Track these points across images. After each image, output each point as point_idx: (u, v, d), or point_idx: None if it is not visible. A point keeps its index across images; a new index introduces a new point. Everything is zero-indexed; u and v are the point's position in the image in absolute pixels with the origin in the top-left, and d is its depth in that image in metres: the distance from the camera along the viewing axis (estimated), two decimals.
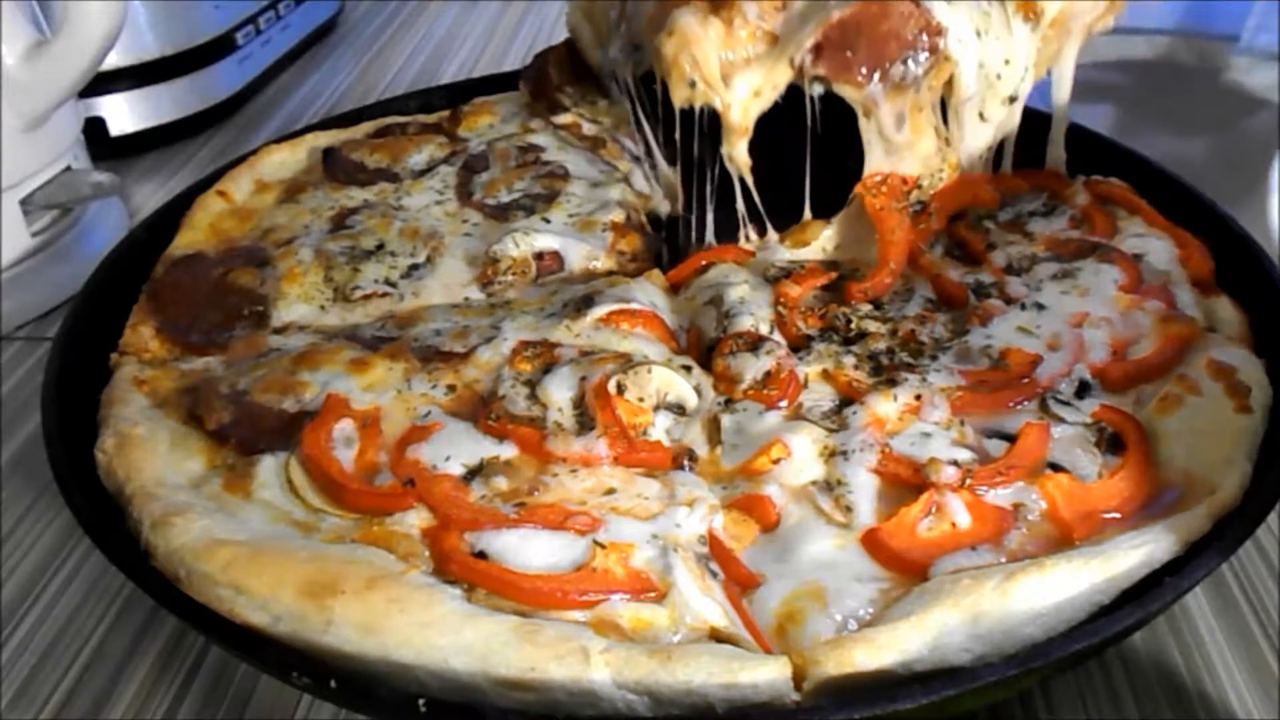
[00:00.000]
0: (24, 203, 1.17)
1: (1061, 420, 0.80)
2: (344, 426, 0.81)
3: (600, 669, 0.64)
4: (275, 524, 0.75)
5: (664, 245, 1.14)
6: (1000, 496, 0.75)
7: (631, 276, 1.00)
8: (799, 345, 0.90)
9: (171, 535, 0.72)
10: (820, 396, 0.85)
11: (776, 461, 0.79)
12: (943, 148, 1.02)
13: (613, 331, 0.90)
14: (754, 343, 0.87)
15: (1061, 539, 0.72)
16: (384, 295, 0.99)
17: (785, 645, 0.69)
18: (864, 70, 0.93)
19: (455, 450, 0.79)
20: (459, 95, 1.29)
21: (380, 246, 1.03)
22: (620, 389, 0.82)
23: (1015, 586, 0.66)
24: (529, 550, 0.71)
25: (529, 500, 0.75)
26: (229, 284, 0.99)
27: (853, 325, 0.92)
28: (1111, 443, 0.78)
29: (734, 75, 0.96)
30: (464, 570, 0.70)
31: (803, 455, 0.79)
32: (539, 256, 1.01)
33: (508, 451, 0.79)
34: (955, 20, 0.94)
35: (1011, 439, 0.79)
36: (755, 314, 0.91)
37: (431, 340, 0.90)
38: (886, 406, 0.82)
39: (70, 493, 0.77)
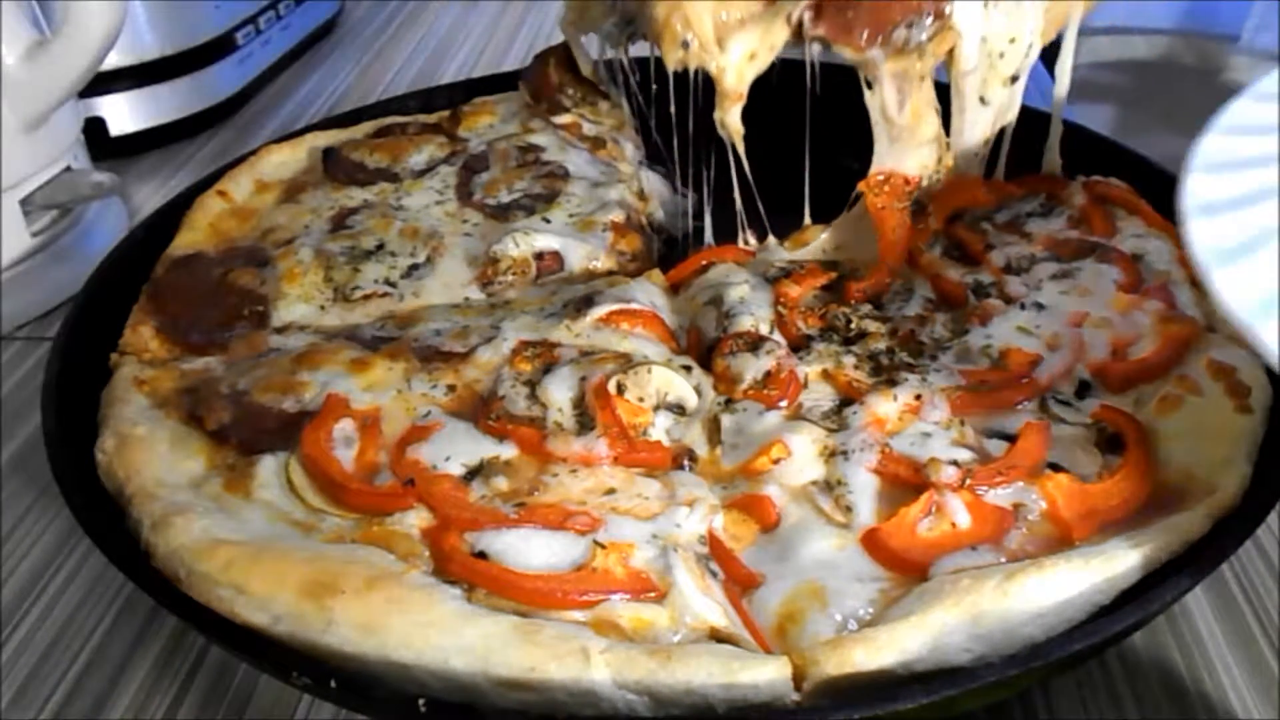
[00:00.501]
0: (24, 203, 1.17)
1: (1061, 420, 0.80)
2: (344, 426, 0.81)
3: (600, 669, 0.64)
4: (275, 524, 0.75)
5: (664, 245, 1.14)
6: (1000, 496, 0.75)
7: (631, 276, 1.00)
8: (799, 345, 0.90)
9: (171, 535, 0.72)
10: (820, 396, 0.85)
11: (776, 461, 0.79)
12: (940, 149, 1.02)
13: (613, 331, 0.90)
14: (754, 343, 0.87)
15: (1061, 539, 0.72)
16: (384, 295, 0.99)
17: (785, 645, 0.69)
18: (865, 34, 0.92)
19: (455, 450, 0.79)
20: (459, 95, 1.29)
21: (380, 246, 1.03)
22: (620, 389, 0.82)
23: (1015, 586, 0.66)
24: (529, 550, 0.71)
25: (529, 500, 0.75)
26: (229, 284, 0.99)
27: (853, 325, 0.92)
28: (1111, 443, 0.78)
29: (729, 38, 0.94)
30: (464, 570, 0.70)
31: (803, 455, 0.79)
32: (539, 256, 1.02)
33: (508, 451, 0.79)
34: None
35: (1011, 439, 0.79)
36: (755, 314, 0.91)
37: (431, 340, 0.90)
38: (886, 406, 0.82)
39: (70, 493, 0.77)
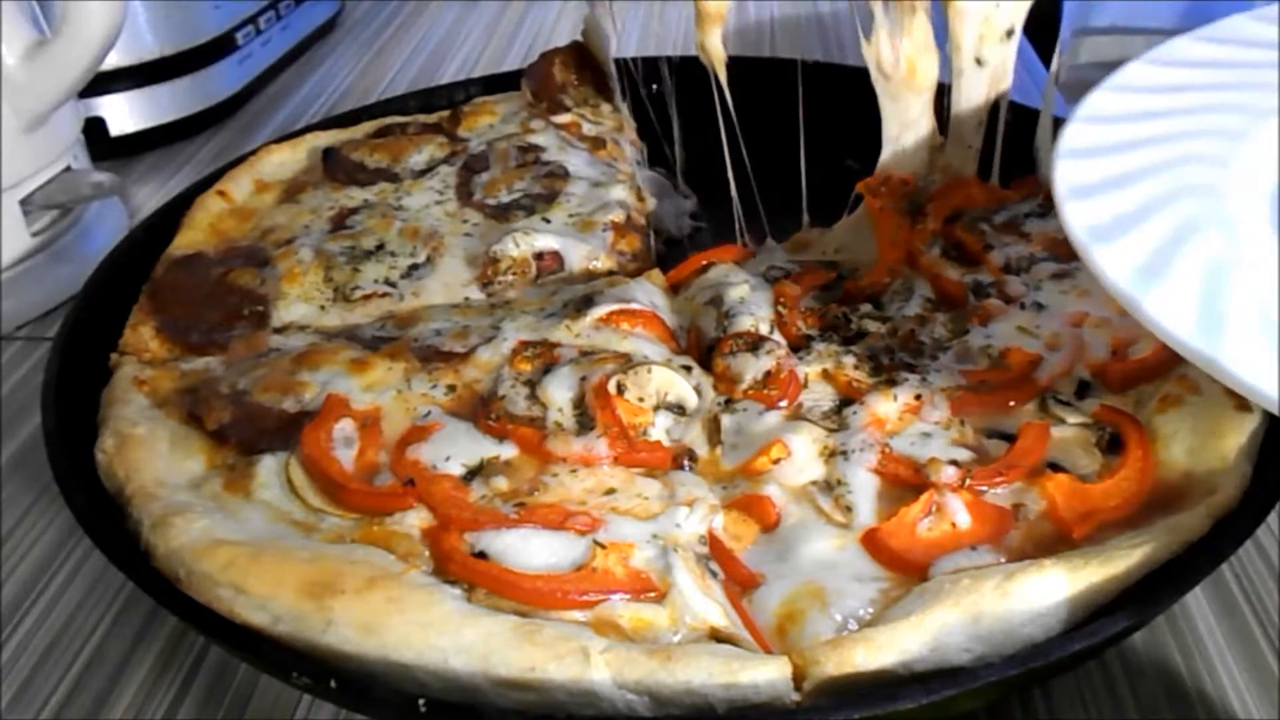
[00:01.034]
0: (24, 203, 1.17)
1: (1061, 420, 0.80)
2: (344, 426, 0.81)
3: (600, 669, 0.64)
4: (275, 524, 0.75)
5: (664, 245, 1.14)
6: (1000, 496, 0.75)
7: (631, 276, 1.00)
8: (799, 345, 0.90)
9: (171, 535, 0.72)
10: (820, 396, 0.85)
11: (776, 461, 0.79)
12: (934, 152, 1.02)
13: (613, 331, 0.90)
14: (754, 343, 0.87)
15: (1061, 539, 0.72)
16: (384, 295, 0.99)
17: (785, 645, 0.69)
18: None
19: (455, 450, 0.79)
20: (459, 95, 1.29)
21: (380, 246, 1.03)
22: (620, 389, 0.82)
23: (1015, 586, 0.66)
24: (529, 550, 0.71)
25: (529, 500, 0.75)
26: (229, 284, 0.99)
27: (853, 325, 0.92)
28: (1111, 443, 0.78)
29: None
30: (464, 570, 0.70)
31: (803, 455, 0.79)
32: (539, 256, 1.02)
33: (508, 451, 0.79)
34: None
35: (1011, 439, 0.79)
36: (755, 314, 0.91)
37: (431, 340, 0.90)
38: (886, 406, 0.82)
39: (70, 493, 0.77)
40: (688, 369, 0.87)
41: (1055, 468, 0.76)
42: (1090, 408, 0.81)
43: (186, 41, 1.52)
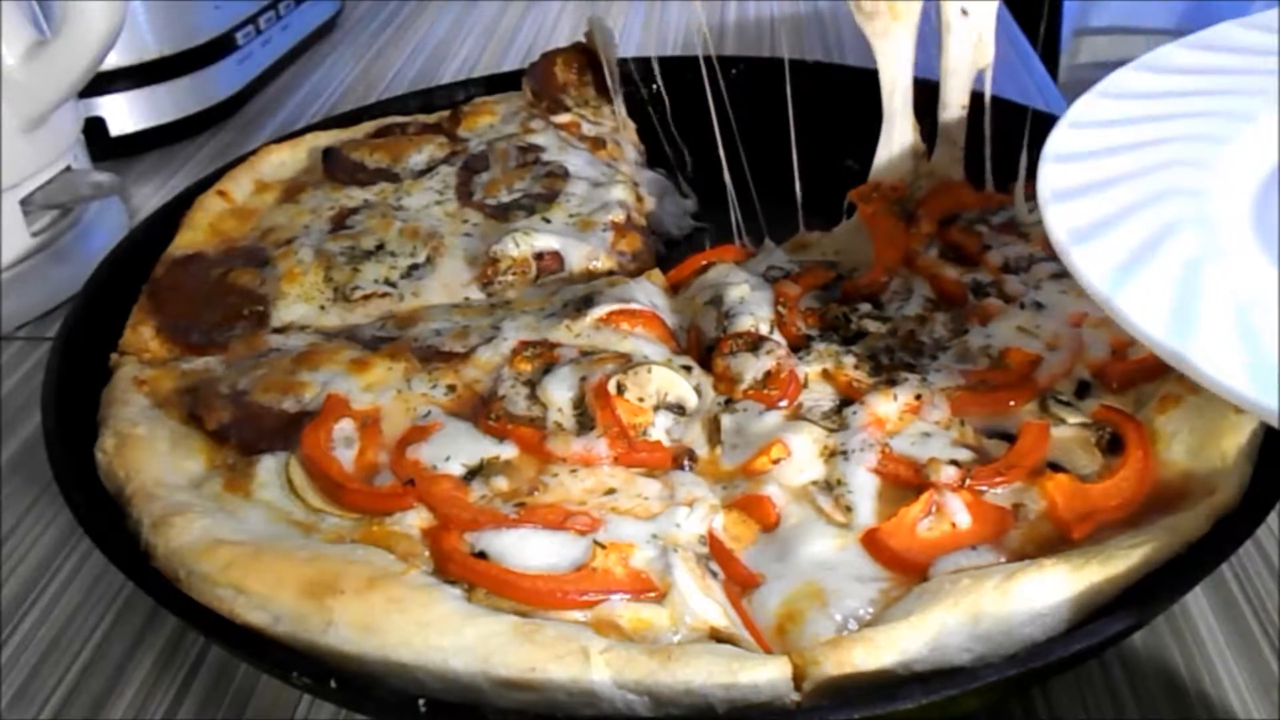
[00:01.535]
0: (24, 203, 1.17)
1: (1061, 420, 0.80)
2: (344, 426, 0.81)
3: (600, 669, 0.64)
4: (275, 524, 0.75)
5: (664, 245, 1.14)
6: (1000, 496, 0.75)
7: (631, 276, 1.00)
8: (799, 345, 0.90)
9: (171, 535, 0.72)
10: (820, 396, 0.85)
11: (776, 461, 0.79)
12: (918, 159, 1.02)
13: (613, 331, 0.90)
14: (754, 343, 0.87)
15: (1061, 539, 0.72)
16: (384, 295, 0.99)
17: (785, 645, 0.69)
18: None
19: (455, 450, 0.79)
20: (459, 95, 1.29)
21: (380, 246, 1.03)
22: (620, 389, 0.82)
23: (1015, 586, 0.66)
24: (529, 550, 0.71)
25: (529, 500, 0.75)
26: (229, 284, 0.99)
27: (852, 325, 0.92)
28: (1111, 443, 0.78)
29: None
30: (464, 570, 0.70)
31: (803, 455, 0.79)
32: (539, 256, 1.01)
33: (508, 451, 0.79)
34: None
35: (1011, 439, 0.79)
36: (755, 314, 0.91)
37: (431, 340, 0.90)
38: (887, 406, 0.82)
39: (70, 493, 0.77)
40: (688, 369, 0.87)
41: (1055, 468, 0.76)
42: (1090, 408, 0.81)
43: (186, 41, 1.52)
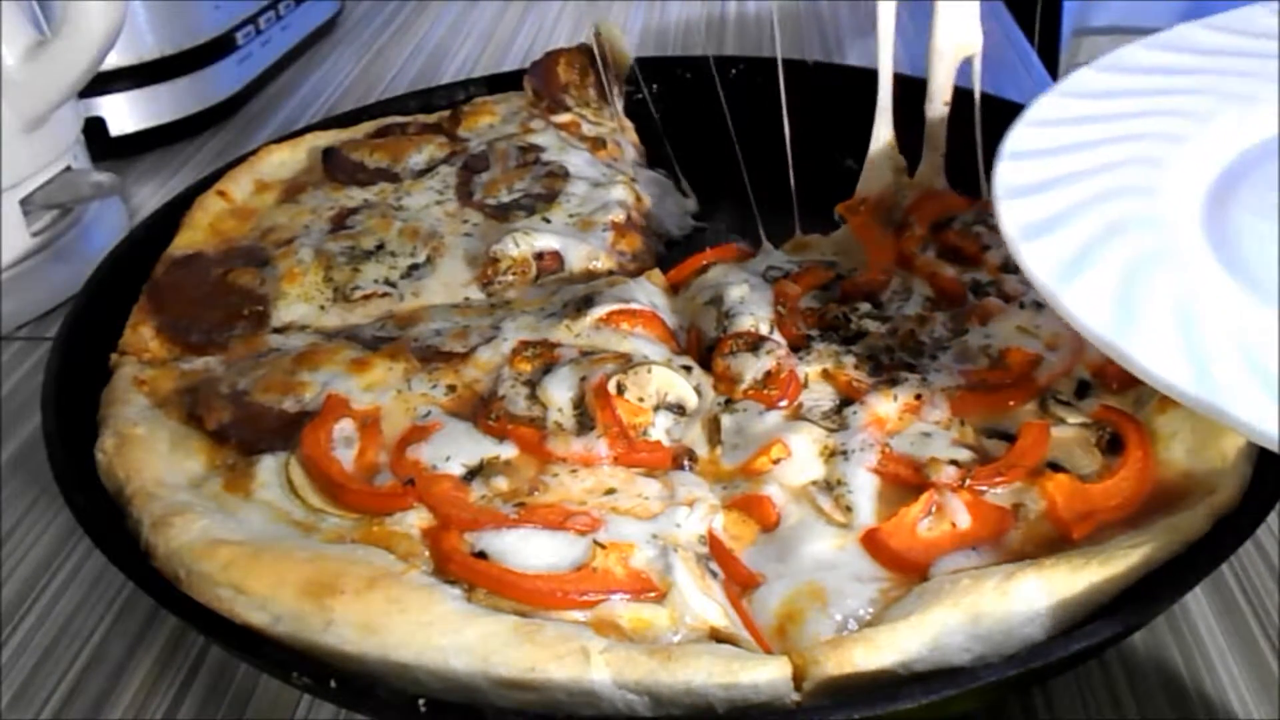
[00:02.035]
0: (24, 203, 1.17)
1: (1061, 420, 0.80)
2: (344, 426, 0.81)
3: (600, 669, 0.64)
4: (275, 524, 0.75)
5: (664, 246, 1.14)
6: (1000, 496, 0.75)
7: (631, 276, 1.00)
8: (799, 345, 0.89)
9: (171, 535, 0.72)
10: (820, 396, 0.85)
11: (776, 461, 0.79)
12: (899, 174, 1.03)
13: (613, 331, 0.90)
14: (754, 343, 0.87)
15: (1061, 539, 0.72)
16: (384, 295, 0.99)
17: (785, 645, 0.69)
18: None
19: (455, 450, 0.79)
20: (459, 95, 1.29)
21: (380, 246, 1.03)
22: (620, 389, 0.82)
23: (1015, 586, 0.66)
24: (529, 550, 0.71)
25: (529, 500, 0.75)
26: (229, 284, 0.99)
27: (852, 325, 0.92)
28: (1111, 443, 0.78)
29: None
30: (464, 570, 0.70)
31: (803, 455, 0.79)
32: (539, 256, 1.01)
33: (508, 451, 0.79)
34: None
35: (1011, 439, 0.79)
36: (755, 314, 0.91)
37: (431, 340, 0.90)
38: (887, 406, 0.82)
39: (70, 493, 0.77)
40: (688, 369, 0.87)
41: (1055, 468, 0.76)
42: (1090, 408, 0.81)
43: (186, 41, 1.52)
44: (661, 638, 0.67)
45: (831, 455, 0.79)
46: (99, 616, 0.87)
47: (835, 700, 0.64)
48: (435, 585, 0.69)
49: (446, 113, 1.25)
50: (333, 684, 0.64)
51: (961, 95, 1.01)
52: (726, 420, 0.84)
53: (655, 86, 1.27)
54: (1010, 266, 0.94)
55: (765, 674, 0.63)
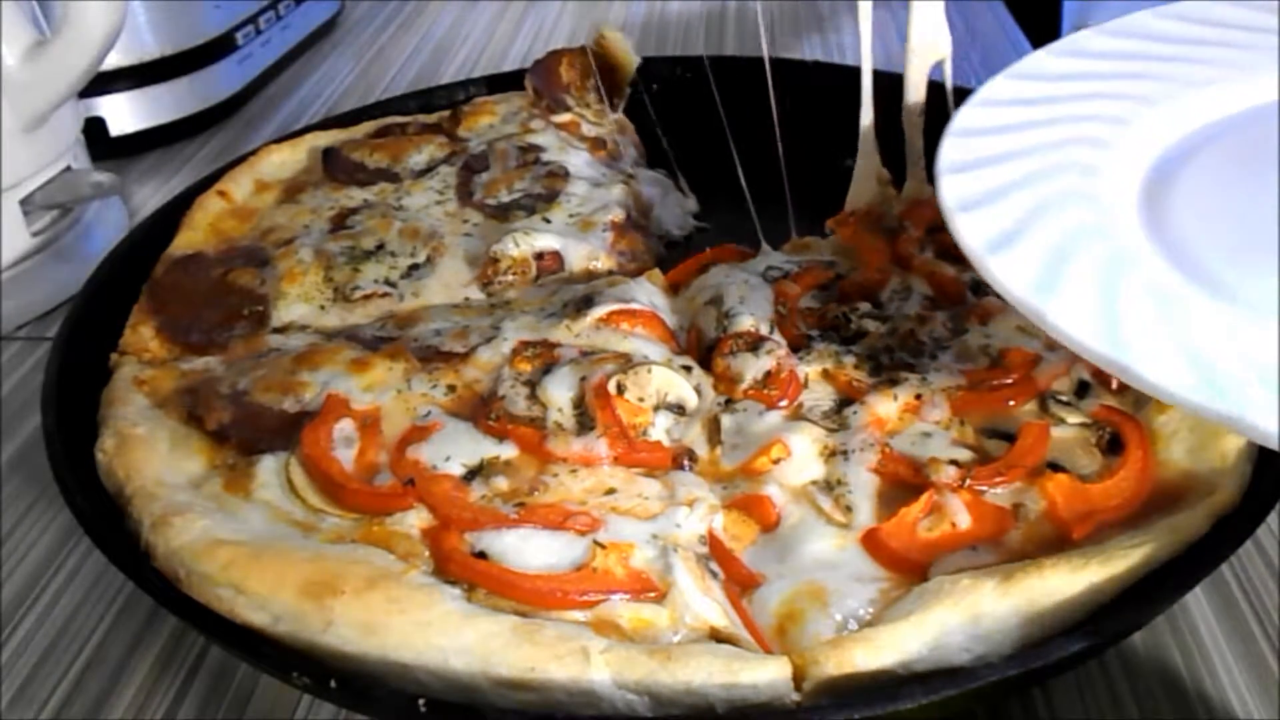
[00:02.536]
0: (24, 203, 1.17)
1: (1061, 420, 0.80)
2: (344, 426, 0.81)
3: (600, 669, 0.64)
4: (275, 524, 0.75)
5: (664, 246, 1.14)
6: (1000, 496, 0.75)
7: (631, 276, 1.00)
8: (799, 345, 0.89)
9: (171, 535, 0.72)
10: (820, 396, 0.85)
11: (776, 461, 0.79)
12: (884, 186, 1.03)
13: (613, 331, 0.90)
14: (754, 342, 0.87)
15: (1061, 539, 0.72)
16: (384, 295, 0.99)
17: (785, 645, 0.69)
18: None
19: (455, 450, 0.79)
20: (459, 95, 1.29)
21: (380, 246, 1.03)
22: (620, 389, 0.82)
23: (1015, 586, 0.66)
24: (529, 550, 0.71)
25: (529, 500, 0.75)
26: (229, 284, 0.99)
27: (852, 325, 0.92)
28: (1111, 443, 0.78)
29: None
30: (464, 570, 0.70)
31: (803, 455, 0.79)
32: (539, 256, 1.01)
33: (508, 451, 0.79)
34: None
35: (1011, 439, 0.79)
36: (755, 314, 0.91)
37: (431, 340, 0.90)
38: (887, 406, 0.82)
39: (70, 493, 0.77)
40: (688, 369, 0.87)
41: (1055, 468, 0.76)
42: (1090, 407, 0.81)
43: (186, 41, 1.52)
44: (661, 638, 0.67)
45: (831, 455, 0.79)
46: (99, 616, 0.87)
47: (835, 700, 0.64)
48: (435, 585, 0.69)
49: (446, 113, 1.25)
50: (333, 684, 0.64)
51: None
52: (726, 420, 0.84)
53: (655, 86, 1.26)
54: None
55: (765, 674, 0.63)
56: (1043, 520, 0.73)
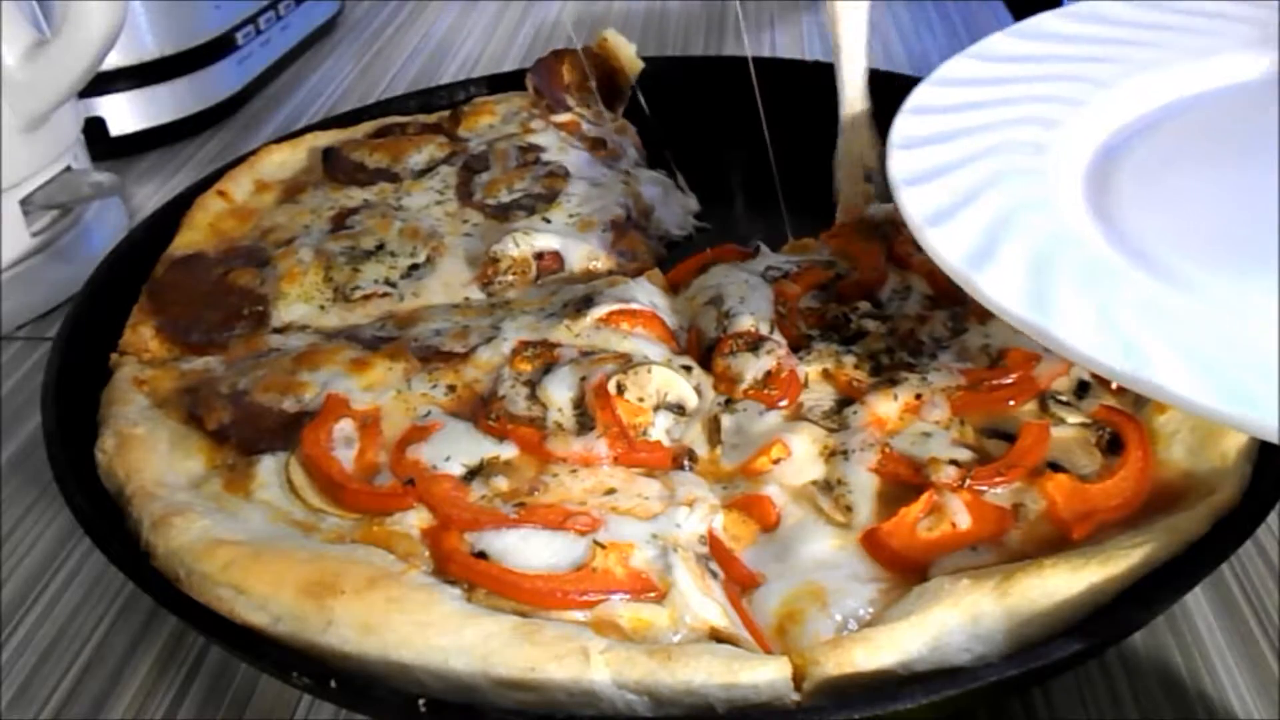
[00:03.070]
0: (24, 203, 1.17)
1: (1061, 420, 0.80)
2: (344, 426, 0.81)
3: (600, 669, 0.64)
4: (275, 524, 0.75)
5: (664, 246, 1.14)
6: (1000, 496, 0.75)
7: (631, 276, 1.00)
8: (799, 345, 0.89)
9: (171, 535, 0.72)
10: (820, 396, 0.85)
11: (776, 461, 0.79)
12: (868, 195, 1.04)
13: (613, 331, 0.90)
14: (754, 342, 0.87)
15: (1061, 539, 0.72)
16: (384, 295, 0.99)
17: (785, 645, 0.69)
18: None
19: (455, 450, 0.79)
20: (459, 95, 1.29)
21: (380, 246, 1.03)
22: (620, 389, 0.82)
23: (1015, 586, 0.66)
24: (529, 550, 0.71)
25: (529, 500, 0.75)
26: (229, 284, 0.99)
27: (852, 324, 0.92)
28: (1111, 443, 0.78)
29: None
30: (464, 570, 0.70)
31: (803, 455, 0.79)
32: (539, 256, 1.01)
33: (508, 451, 0.79)
34: None
35: (1011, 439, 0.78)
36: (755, 314, 0.91)
37: (431, 340, 0.90)
38: (887, 406, 0.82)
39: (70, 493, 0.77)
40: (688, 369, 0.87)
41: (1055, 468, 0.76)
42: (1090, 407, 0.81)
43: (186, 41, 1.52)
44: (661, 638, 0.67)
45: (831, 455, 0.79)
46: (99, 616, 0.87)
47: (835, 700, 0.64)
48: (435, 585, 0.69)
49: (446, 113, 1.25)
50: (333, 684, 0.64)
51: None
52: (726, 420, 0.84)
53: (655, 87, 1.26)
54: None
55: (765, 674, 0.63)
56: (1042, 520, 0.73)
